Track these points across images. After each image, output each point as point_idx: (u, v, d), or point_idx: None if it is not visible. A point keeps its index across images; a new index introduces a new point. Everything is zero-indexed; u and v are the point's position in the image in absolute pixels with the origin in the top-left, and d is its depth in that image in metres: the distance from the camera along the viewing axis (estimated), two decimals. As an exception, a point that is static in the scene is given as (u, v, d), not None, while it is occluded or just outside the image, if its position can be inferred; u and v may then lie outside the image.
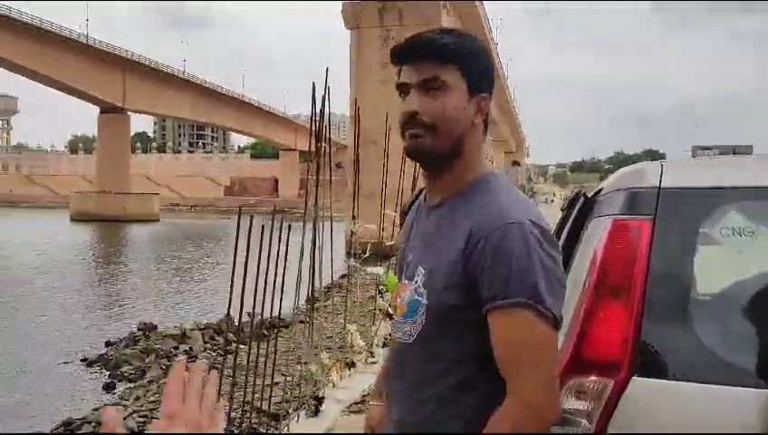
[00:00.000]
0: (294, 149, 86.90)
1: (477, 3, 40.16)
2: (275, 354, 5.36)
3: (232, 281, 4.53)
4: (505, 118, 73.46)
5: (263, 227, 4.57)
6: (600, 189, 2.02)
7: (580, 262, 1.72)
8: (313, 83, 5.09)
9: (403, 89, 1.28)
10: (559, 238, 2.06)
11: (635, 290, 1.47)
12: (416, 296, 1.25)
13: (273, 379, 5.26)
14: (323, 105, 5.15)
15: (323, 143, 5.15)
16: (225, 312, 5.00)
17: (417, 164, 1.32)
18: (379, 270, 6.73)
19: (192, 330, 13.23)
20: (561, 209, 2.39)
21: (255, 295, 4.96)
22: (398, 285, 1.36)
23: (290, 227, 4.90)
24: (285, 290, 5.19)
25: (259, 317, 5.50)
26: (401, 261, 1.38)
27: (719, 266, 1.71)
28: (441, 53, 1.24)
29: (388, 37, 29.12)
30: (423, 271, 1.26)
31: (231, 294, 4.50)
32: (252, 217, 4.43)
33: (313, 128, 5.10)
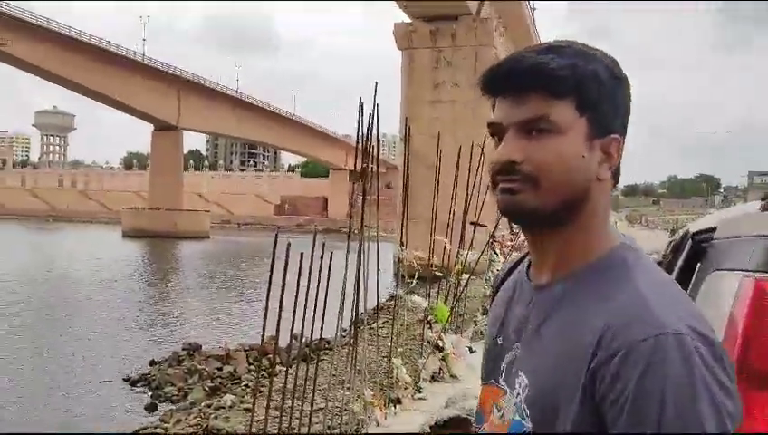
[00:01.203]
0: (344, 169, 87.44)
1: (531, 26, 39.70)
2: (315, 380, 5.08)
3: (270, 303, 4.24)
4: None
5: (311, 250, 4.27)
6: (711, 229, 1.58)
7: None
8: (360, 100, 4.79)
9: (495, 130, 0.93)
10: None
11: None
12: (516, 417, 0.90)
13: (312, 405, 4.98)
14: (371, 122, 4.85)
15: (370, 162, 4.84)
16: (270, 333, 4.82)
17: (484, 196, 0.93)
18: (423, 301, 6.35)
19: (236, 351, 13.04)
20: (664, 256, 1.97)
21: (295, 316, 4.74)
22: (489, 388, 0.99)
23: (332, 253, 4.62)
24: (330, 311, 4.99)
25: (303, 339, 5.33)
26: (492, 354, 1.01)
27: None
28: (551, 83, 0.88)
29: (441, 58, 28.97)
30: (525, 381, 0.90)
31: (278, 316, 4.23)
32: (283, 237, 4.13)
33: (360, 146, 4.79)
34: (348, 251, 4.92)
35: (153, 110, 58.10)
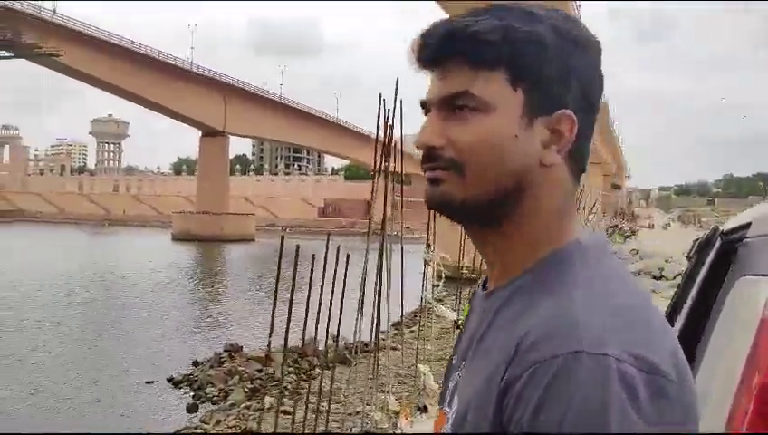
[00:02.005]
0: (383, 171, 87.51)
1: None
2: (329, 385, 5.06)
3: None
4: (605, 138, 70.90)
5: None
6: (744, 226, 1.33)
7: (726, 343, 1.12)
8: (380, 96, 4.74)
9: (425, 111, 0.78)
10: (686, 297, 1.46)
11: None
12: None
13: (326, 409, 4.97)
14: (392, 119, 4.82)
15: (392, 161, 4.79)
16: (308, 335, 4.86)
17: None
18: (450, 313, 6.26)
19: (276, 353, 13.16)
20: (688, 257, 1.76)
21: (330, 318, 4.72)
22: (440, 414, 0.84)
23: (346, 256, 4.59)
24: (365, 313, 5.00)
25: (341, 342, 5.35)
26: (447, 375, 0.86)
27: None
28: (474, 51, 0.72)
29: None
30: (456, 405, 0.76)
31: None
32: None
33: (382, 142, 4.76)
34: (366, 253, 4.90)
35: (200, 116, 59.37)
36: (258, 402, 9.73)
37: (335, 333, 5.72)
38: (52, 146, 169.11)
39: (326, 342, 7.51)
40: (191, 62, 60.00)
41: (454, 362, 0.84)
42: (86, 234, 63.75)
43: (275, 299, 4.17)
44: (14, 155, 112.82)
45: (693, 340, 1.31)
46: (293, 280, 4.44)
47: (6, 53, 49.57)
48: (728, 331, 1.12)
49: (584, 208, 14.17)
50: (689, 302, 1.41)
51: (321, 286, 4.50)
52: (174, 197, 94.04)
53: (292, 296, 4.27)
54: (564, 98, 0.73)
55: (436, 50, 0.75)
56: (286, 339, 4.93)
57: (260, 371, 12.24)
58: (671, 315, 1.48)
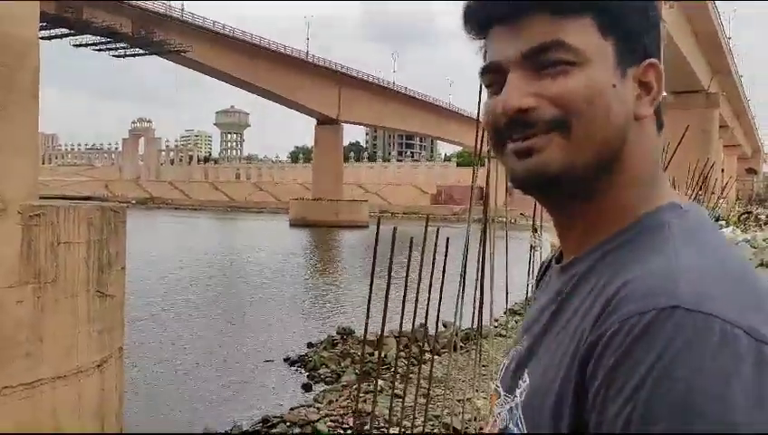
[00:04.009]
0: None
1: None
2: (428, 374, 5.03)
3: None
4: (739, 120, 65.82)
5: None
6: None
7: None
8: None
9: (493, 78, 0.70)
10: None
11: None
12: (510, 425, 0.70)
13: (435, 394, 4.95)
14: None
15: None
16: (420, 321, 4.91)
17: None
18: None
19: (387, 337, 13.34)
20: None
21: (440, 305, 4.71)
22: (493, 393, 0.78)
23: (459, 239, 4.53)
24: (477, 300, 4.97)
25: (453, 328, 5.40)
26: (511, 352, 0.78)
27: None
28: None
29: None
30: (527, 381, 0.70)
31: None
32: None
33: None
34: (467, 239, 4.81)
35: (315, 104, 61.03)
36: (369, 384, 9.92)
37: (444, 320, 5.71)
38: (181, 137, 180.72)
39: (436, 328, 7.56)
40: (307, 53, 61.75)
41: (522, 335, 0.79)
42: (213, 219, 67.55)
43: (388, 285, 4.20)
44: (148, 146, 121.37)
45: None
46: (395, 266, 4.44)
47: (141, 50, 53.34)
48: None
49: (713, 193, 13.21)
50: None
51: (432, 274, 4.49)
52: (291, 184, 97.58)
53: (389, 282, 4.29)
54: (650, 47, 0.70)
55: (512, 2, 0.67)
56: (401, 324, 4.97)
57: (371, 354, 12.49)
58: None
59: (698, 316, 0.54)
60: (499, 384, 0.76)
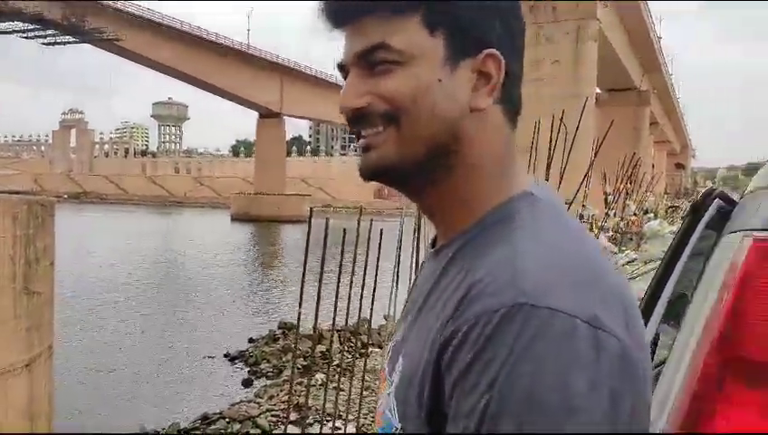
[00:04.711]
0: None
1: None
2: (370, 367, 5.09)
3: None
4: (669, 117, 68.44)
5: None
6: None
7: (702, 301, 1.06)
8: None
9: (344, 76, 0.74)
10: (676, 260, 1.40)
11: None
12: (387, 413, 0.71)
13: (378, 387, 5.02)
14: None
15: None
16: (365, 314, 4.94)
17: None
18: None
19: (328, 331, 13.35)
20: (682, 218, 1.72)
21: (378, 297, 4.75)
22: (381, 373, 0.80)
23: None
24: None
25: (388, 319, 5.41)
26: (395, 335, 0.80)
27: None
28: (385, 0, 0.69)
29: (540, 34, 28.05)
30: (400, 367, 0.71)
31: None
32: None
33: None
34: (419, 229, 4.90)
35: (257, 97, 60.19)
36: (310, 379, 9.91)
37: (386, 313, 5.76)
38: (116, 129, 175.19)
39: (370, 320, 7.63)
40: (248, 45, 60.82)
41: (402, 317, 0.81)
42: (150, 214, 65.84)
43: (320, 280, 4.22)
44: (80, 138, 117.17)
45: (685, 299, 1.30)
46: (340, 261, 4.48)
47: (71, 39, 51.36)
48: (705, 290, 1.07)
49: (640, 187, 13.73)
50: (681, 262, 1.37)
51: (377, 268, 4.54)
52: (232, 178, 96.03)
53: (321, 277, 4.33)
54: (488, 38, 0.70)
55: (347, 4, 0.71)
56: (334, 318, 5.01)
57: (312, 348, 12.46)
58: (663, 277, 1.45)
59: (543, 312, 0.57)
60: (386, 367, 0.77)
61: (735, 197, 1.38)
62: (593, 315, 0.58)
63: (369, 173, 0.73)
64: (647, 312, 1.45)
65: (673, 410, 0.97)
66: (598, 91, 33.84)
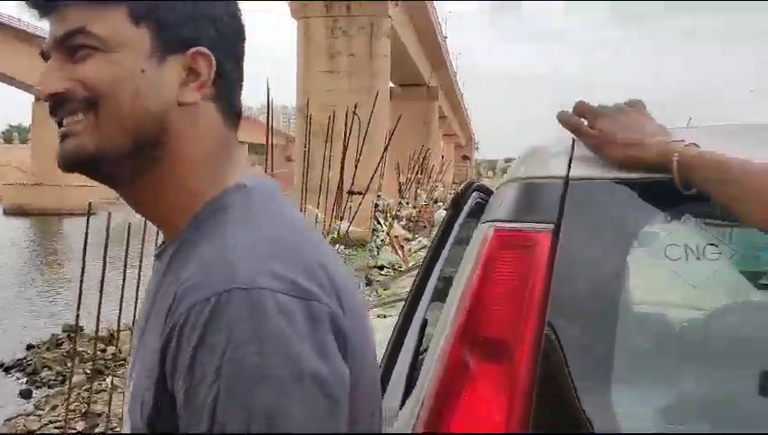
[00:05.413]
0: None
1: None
2: None
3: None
4: (456, 112, 73.75)
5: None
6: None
7: (455, 287, 1.15)
8: (267, 80, 4.69)
9: (46, 59, 0.72)
10: (439, 253, 1.53)
11: (522, 356, 0.96)
12: (125, 427, 0.71)
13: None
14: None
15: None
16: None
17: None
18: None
19: (122, 331, 12.56)
20: (446, 210, 1.81)
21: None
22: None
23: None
24: None
25: None
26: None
27: (669, 311, 1.23)
28: None
29: (336, 27, 28.62)
30: (131, 389, 0.71)
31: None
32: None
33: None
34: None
35: (31, 78, 54.30)
36: (100, 383, 9.28)
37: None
38: None
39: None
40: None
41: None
42: None
43: (103, 276, 3.99)
44: None
45: (449, 283, 1.39)
46: (125, 259, 4.26)
47: None
48: (460, 276, 1.16)
49: (429, 177, 14.73)
50: (446, 250, 1.49)
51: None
52: (6, 167, 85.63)
53: (124, 273, 4.12)
54: (197, 37, 0.72)
55: None
56: (119, 317, 4.74)
57: (103, 350, 11.65)
58: (430, 264, 1.55)
59: (253, 293, 0.59)
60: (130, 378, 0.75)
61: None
62: (303, 289, 0.62)
63: (66, 163, 0.71)
64: (417, 296, 1.55)
65: (427, 390, 1.05)
66: (392, 85, 35.42)
